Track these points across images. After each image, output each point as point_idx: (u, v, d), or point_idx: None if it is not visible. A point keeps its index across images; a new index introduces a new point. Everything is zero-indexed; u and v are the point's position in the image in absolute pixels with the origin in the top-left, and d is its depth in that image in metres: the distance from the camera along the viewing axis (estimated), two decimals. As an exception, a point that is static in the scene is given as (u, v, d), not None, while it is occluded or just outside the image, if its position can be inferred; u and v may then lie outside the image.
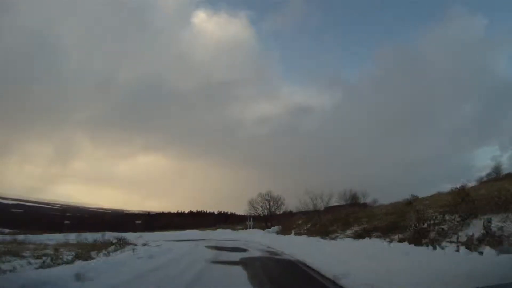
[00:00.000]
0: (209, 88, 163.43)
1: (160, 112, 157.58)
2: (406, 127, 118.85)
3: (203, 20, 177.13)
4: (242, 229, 55.70)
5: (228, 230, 54.13)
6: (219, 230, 54.80)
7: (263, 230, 47.70)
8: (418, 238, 14.40)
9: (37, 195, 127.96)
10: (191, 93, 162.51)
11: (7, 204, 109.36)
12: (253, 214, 58.67)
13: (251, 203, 57.96)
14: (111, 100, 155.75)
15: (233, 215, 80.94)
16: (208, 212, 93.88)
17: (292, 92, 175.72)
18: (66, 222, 68.26)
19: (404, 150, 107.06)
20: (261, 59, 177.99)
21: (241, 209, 71.46)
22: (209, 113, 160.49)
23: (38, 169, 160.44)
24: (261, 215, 58.24)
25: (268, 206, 57.69)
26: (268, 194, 58.24)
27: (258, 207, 58.10)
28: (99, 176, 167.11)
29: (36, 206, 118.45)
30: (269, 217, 56.95)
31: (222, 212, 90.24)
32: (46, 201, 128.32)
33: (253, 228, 53.46)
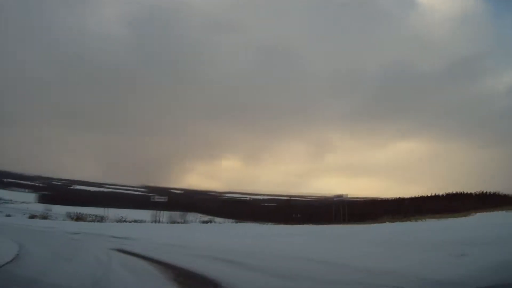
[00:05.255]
0: (453, 64, 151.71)
1: (410, 97, 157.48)
2: None
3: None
4: None
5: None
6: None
7: None
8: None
9: (294, 190, 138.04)
10: (436, 73, 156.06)
11: (260, 199, 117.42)
12: None
13: None
14: (362, 92, 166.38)
15: (496, 195, 58.37)
16: (465, 193, 77.44)
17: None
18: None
19: None
20: (497, 25, 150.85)
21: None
22: (457, 90, 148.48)
23: (295, 166, 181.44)
24: None
25: None
26: None
27: None
28: (356, 166, 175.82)
29: (286, 200, 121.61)
30: None
31: (484, 193, 68.89)
32: (301, 194, 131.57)
33: None
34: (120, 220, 41.43)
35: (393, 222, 29.92)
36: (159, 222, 44.28)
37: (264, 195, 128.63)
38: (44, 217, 37.58)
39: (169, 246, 16.25)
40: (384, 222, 29.96)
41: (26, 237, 18.71)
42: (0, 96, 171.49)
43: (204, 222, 47.09)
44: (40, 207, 53.47)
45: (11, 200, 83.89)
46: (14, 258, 10.46)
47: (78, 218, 39.99)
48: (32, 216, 37.38)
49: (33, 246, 14.33)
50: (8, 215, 38.58)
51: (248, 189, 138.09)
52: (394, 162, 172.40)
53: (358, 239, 18.45)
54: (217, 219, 53.29)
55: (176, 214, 49.63)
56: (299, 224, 38.16)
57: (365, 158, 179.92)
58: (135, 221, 41.79)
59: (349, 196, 42.40)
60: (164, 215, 47.95)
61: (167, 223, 44.15)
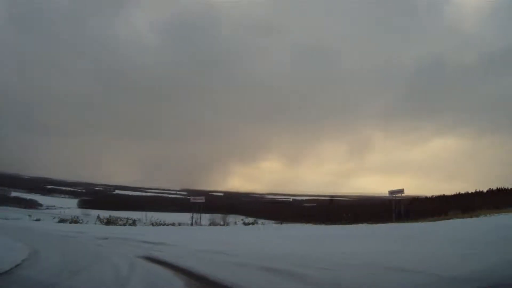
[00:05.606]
0: (489, 57, 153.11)
1: (446, 92, 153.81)
2: None
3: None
4: None
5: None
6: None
7: None
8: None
9: (335, 190, 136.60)
10: (472, 66, 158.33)
11: (302, 200, 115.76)
12: None
13: None
14: (398, 89, 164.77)
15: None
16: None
17: None
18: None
19: None
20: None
21: None
22: (495, 84, 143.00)
23: (334, 166, 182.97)
24: None
25: None
26: None
27: None
28: (394, 164, 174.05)
29: (329, 199, 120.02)
30: None
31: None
32: (343, 194, 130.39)
33: None
34: (156, 223, 39.90)
35: (462, 217, 25.97)
36: (199, 224, 42.53)
37: (305, 195, 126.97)
38: (75, 221, 36.53)
39: (207, 252, 13.66)
40: (461, 217, 25.92)
41: (44, 241, 16.95)
42: (44, 106, 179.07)
43: (246, 224, 44.92)
44: (80, 212, 53.42)
45: (53, 206, 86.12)
46: (16, 266, 9.01)
47: (109, 221, 38.64)
48: (62, 220, 36.58)
49: (45, 252, 12.29)
50: (37, 219, 38.02)
51: (289, 190, 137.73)
52: (432, 159, 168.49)
53: (436, 239, 15.04)
54: (260, 221, 51.21)
55: (217, 216, 48.03)
56: (349, 224, 35.05)
57: (403, 156, 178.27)
58: (173, 224, 40.15)
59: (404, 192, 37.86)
60: (204, 217, 46.34)
61: (207, 225, 42.36)
